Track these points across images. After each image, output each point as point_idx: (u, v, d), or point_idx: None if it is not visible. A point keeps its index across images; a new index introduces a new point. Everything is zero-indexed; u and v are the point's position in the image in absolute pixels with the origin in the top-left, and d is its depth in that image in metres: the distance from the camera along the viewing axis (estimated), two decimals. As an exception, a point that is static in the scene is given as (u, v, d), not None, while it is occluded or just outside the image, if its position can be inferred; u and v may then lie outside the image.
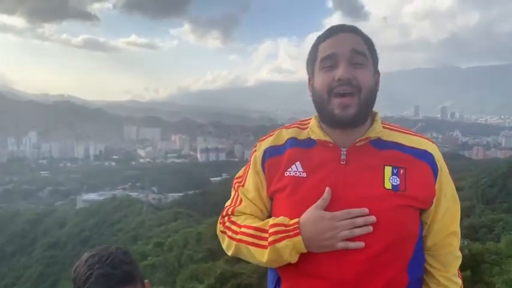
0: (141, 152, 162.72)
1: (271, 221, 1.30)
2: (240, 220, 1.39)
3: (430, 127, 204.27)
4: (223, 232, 1.42)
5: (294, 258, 1.24)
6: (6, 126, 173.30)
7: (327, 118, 1.30)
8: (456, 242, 1.38)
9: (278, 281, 1.36)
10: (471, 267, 5.08)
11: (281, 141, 1.39)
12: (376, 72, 1.34)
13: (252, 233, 1.31)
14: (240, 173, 1.48)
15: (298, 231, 1.19)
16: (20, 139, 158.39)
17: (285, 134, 1.41)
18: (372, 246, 1.21)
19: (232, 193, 1.48)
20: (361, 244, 1.16)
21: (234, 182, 1.48)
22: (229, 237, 1.37)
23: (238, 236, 1.34)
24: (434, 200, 1.30)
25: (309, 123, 1.40)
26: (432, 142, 1.38)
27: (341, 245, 1.19)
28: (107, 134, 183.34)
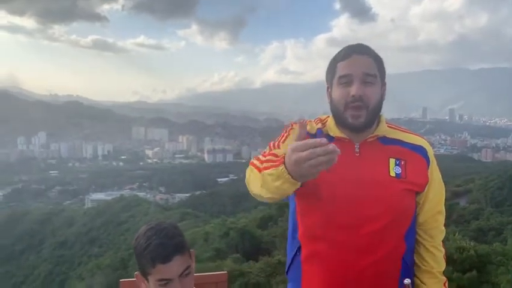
0: (149, 153, 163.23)
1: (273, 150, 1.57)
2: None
3: (438, 129, 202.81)
4: (251, 166, 1.57)
5: (283, 187, 1.35)
6: (16, 126, 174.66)
7: (341, 123, 1.64)
8: (441, 219, 1.73)
9: (299, 249, 1.67)
10: (477, 268, 5.11)
11: (313, 131, 1.69)
12: (383, 84, 1.66)
13: (262, 159, 1.50)
14: (275, 140, 1.68)
15: (282, 161, 1.32)
16: (29, 139, 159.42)
17: (315, 126, 1.71)
18: (380, 220, 1.55)
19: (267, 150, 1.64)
20: (331, 147, 1.20)
21: (270, 144, 1.66)
22: (251, 163, 1.57)
23: (255, 162, 1.54)
24: (426, 186, 1.65)
25: (326, 121, 1.71)
26: (424, 139, 1.73)
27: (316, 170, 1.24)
28: (115, 135, 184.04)
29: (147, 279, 1.43)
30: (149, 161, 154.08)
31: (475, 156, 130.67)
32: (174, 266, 1.39)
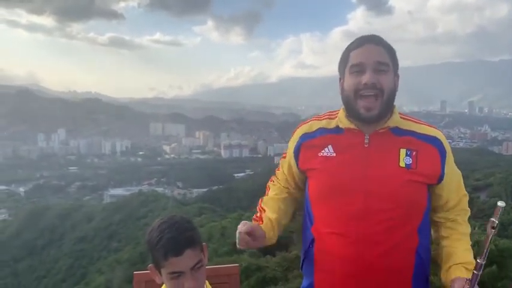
0: (167, 148, 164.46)
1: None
2: (271, 189, 1.93)
3: (457, 122, 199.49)
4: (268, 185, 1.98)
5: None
6: (36, 123, 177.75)
7: (353, 115, 1.65)
8: (466, 199, 1.77)
9: (312, 242, 1.71)
10: (497, 262, 5.02)
11: (313, 129, 1.75)
12: (396, 76, 1.66)
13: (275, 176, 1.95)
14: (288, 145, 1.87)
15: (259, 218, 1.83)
16: (49, 136, 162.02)
17: (316, 124, 1.76)
18: (389, 211, 1.56)
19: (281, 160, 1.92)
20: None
21: (284, 152, 1.92)
22: (270, 181, 1.97)
23: (269, 185, 1.97)
24: (443, 178, 1.65)
25: (337, 113, 1.73)
26: (439, 130, 1.73)
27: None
28: (133, 131, 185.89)
29: (160, 272, 1.48)
30: (167, 156, 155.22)
31: (496, 149, 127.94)
32: (186, 260, 1.43)
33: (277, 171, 1.93)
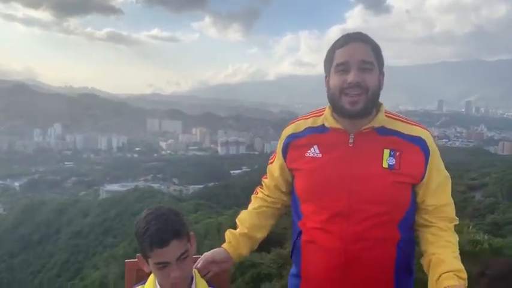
0: (163, 145, 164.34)
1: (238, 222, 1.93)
2: (253, 201, 1.97)
3: (454, 121, 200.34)
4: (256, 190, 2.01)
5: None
6: (32, 118, 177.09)
7: (338, 111, 1.67)
8: (450, 209, 1.72)
9: (299, 234, 1.79)
10: (491, 261, 5.06)
11: (300, 129, 1.79)
12: (381, 73, 1.67)
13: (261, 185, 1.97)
14: (274, 153, 1.91)
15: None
16: (45, 131, 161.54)
17: (303, 124, 1.79)
18: (370, 210, 1.62)
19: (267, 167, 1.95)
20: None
21: (269, 160, 1.94)
22: (260, 186, 2.00)
23: (258, 189, 2.00)
24: (426, 176, 1.65)
25: (323, 111, 1.75)
26: (426, 130, 1.72)
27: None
28: (129, 126, 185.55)
29: (147, 261, 1.54)
30: (163, 152, 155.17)
31: (492, 149, 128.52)
32: (171, 251, 1.47)
33: (264, 180, 1.96)
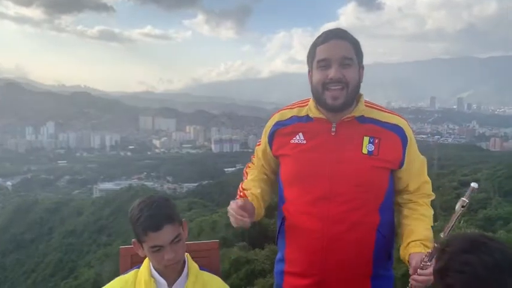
0: (157, 143, 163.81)
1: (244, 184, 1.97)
2: (249, 173, 2.03)
3: (446, 118, 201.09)
4: (244, 172, 2.07)
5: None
6: (24, 116, 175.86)
7: (321, 104, 1.79)
8: (428, 186, 1.89)
9: (283, 220, 1.89)
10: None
11: (286, 117, 1.90)
12: (361, 67, 1.78)
13: (245, 177, 2.02)
14: (262, 135, 2.00)
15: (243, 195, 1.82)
16: (37, 129, 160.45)
17: (289, 113, 1.90)
18: (351, 194, 1.73)
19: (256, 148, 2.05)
20: (237, 216, 1.69)
21: (258, 142, 2.05)
22: (244, 170, 2.08)
23: (247, 171, 2.06)
24: (404, 163, 1.79)
25: (307, 102, 1.87)
26: (403, 119, 1.85)
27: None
28: (122, 125, 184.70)
29: (142, 246, 1.64)
30: (157, 151, 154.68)
31: (483, 145, 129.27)
32: (165, 234, 1.57)
33: (253, 158, 2.08)
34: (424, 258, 1.56)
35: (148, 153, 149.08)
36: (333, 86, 1.71)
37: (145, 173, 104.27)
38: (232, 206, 1.71)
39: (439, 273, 1.18)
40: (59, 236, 41.80)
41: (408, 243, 1.75)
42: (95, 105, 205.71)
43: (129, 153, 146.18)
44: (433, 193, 1.92)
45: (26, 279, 36.03)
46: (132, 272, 1.75)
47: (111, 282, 1.77)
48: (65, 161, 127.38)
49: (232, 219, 1.71)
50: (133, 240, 1.68)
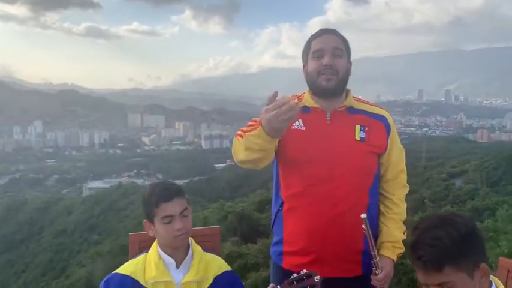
0: (146, 140, 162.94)
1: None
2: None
3: (434, 110, 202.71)
4: (236, 136, 1.94)
5: (263, 144, 1.74)
6: (11, 115, 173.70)
7: (316, 89, 1.99)
8: (404, 176, 2.10)
9: (281, 205, 2.05)
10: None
11: None
12: (349, 62, 2.01)
13: (245, 128, 1.86)
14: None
15: (260, 123, 1.70)
16: (25, 128, 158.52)
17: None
18: (347, 176, 1.93)
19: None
20: (292, 103, 1.61)
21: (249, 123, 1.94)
22: (235, 136, 1.96)
23: (239, 133, 1.90)
24: (387, 149, 2.01)
25: (303, 96, 2.06)
26: (386, 111, 2.08)
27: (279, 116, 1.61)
28: (111, 122, 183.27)
29: (153, 223, 1.80)
30: (146, 148, 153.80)
31: (471, 136, 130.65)
32: (175, 205, 1.76)
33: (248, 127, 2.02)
34: (374, 270, 1.89)
35: (138, 150, 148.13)
36: (327, 71, 1.91)
37: (135, 171, 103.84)
38: (269, 106, 1.64)
39: (412, 247, 1.33)
40: (49, 235, 41.48)
41: (382, 243, 2.01)
42: (83, 103, 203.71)
43: (118, 151, 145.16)
44: (407, 184, 2.11)
45: (17, 279, 35.73)
46: (141, 256, 1.89)
47: (123, 265, 1.88)
48: (54, 160, 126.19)
49: (279, 116, 1.61)
50: (144, 220, 1.84)
